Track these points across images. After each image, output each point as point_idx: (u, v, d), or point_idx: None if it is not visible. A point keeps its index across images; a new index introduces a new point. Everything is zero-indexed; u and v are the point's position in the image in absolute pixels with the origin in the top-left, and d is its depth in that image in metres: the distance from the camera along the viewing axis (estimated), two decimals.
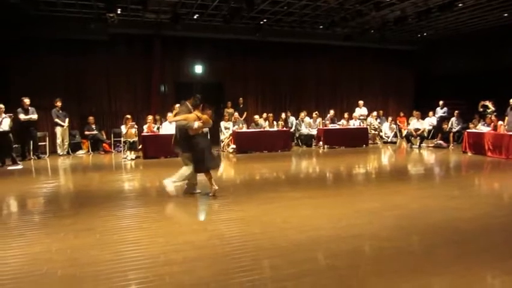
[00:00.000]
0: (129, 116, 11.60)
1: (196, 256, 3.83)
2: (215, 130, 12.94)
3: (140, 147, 11.47)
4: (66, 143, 12.02)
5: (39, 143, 11.49)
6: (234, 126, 12.84)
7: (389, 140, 14.82)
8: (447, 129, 13.43)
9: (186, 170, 6.32)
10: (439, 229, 4.60)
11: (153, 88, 13.81)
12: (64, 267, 3.58)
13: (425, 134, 13.60)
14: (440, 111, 15.07)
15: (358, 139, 13.61)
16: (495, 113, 11.79)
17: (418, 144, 13.09)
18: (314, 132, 13.82)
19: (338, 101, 16.91)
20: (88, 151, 12.45)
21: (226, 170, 9.82)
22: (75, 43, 12.72)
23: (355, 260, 3.74)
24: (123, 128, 11.40)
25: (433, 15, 12.12)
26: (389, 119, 15.45)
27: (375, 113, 15.31)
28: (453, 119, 14.02)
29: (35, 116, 11.06)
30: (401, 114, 16.47)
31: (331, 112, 14.80)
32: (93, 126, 12.64)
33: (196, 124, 6.01)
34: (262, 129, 12.88)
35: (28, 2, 10.57)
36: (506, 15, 12.66)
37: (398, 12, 12.41)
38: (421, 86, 17.72)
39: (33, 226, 4.88)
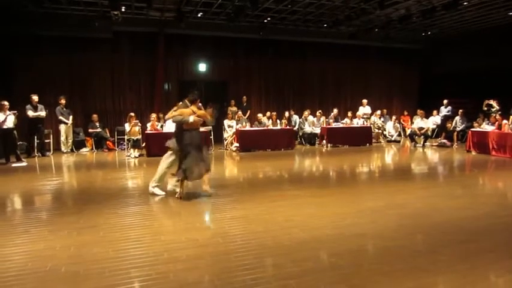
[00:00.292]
0: (132, 114, 11.63)
1: (200, 254, 3.83)
2: (218, 128, 12.96)
3: (144, 145, 11.49)
4: (70, 141, 12.06)
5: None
6: (237, 124, 12.84)
7: (393, 139, 14.78)
8: (451, 128, 13.36)
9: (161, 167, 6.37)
10: (443, 228, 4.58)
11: (157, 86, 13.83)
12: (68, 264, 3.59)
13: (429, 133, 13.54)
14: (444, 110, 15.01)
15: (362, 138, 13.59)
16: (500, 112, 11.74)
17: (422, 143, 13.04)
18: (317, 130, 13.79)
19: (342, 100, 16.87)
20: (92, 149, 12.49)
21: (229, 168, 9.83)
22: (80, 41, 12.76)
23: (358, 258, 3.73)
24: (127, 126, 11.43)
25: (437, 13, 12.06)
26: (393, 117, 15.42)
27: (378, 112, 15.28)
28: (457, 118, 13.96)
29: (43, 113, 11.11)
30: (405, 113, 16.42)
31: (335, 111, 14.76)
32: (97, 124, 12.67)
33: (192, 118, 5.97)
34: (265, 128, 12.87)
35: None
36: (511, 13, 12.59)
37: (402, 11, 12.37)
38: (426, 85, 17.65)
39: (37, 223, 4.89)
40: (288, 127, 13.29)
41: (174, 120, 6.10)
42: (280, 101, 15.88)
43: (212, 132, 12.34)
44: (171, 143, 6.33)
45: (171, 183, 6.40)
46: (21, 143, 10.95)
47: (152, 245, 4.07)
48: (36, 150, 11.03)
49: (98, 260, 3.69)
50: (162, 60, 13.70)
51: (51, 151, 11.75)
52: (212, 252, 3.88)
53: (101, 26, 12.32)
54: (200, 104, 6.43)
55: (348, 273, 3.41)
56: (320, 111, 14.46)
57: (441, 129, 14.08)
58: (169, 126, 11.57)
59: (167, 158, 6.48)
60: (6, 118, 9.59)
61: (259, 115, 13.40)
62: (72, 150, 12.06)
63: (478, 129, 11.82)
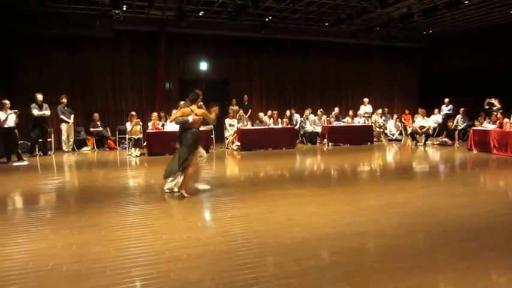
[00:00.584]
0: (134, 113, 11.62)
1: (201, 253, 3.83)
2: (219, 127, 12.97)
3: (145, 144, 11.50)
4: (72, 140, 12.07)
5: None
6: (238, 123, 12.84)
7: (394, 138, 14.77)
8: (452, 127, 13.34)
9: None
10: (444, 227, 4.58)
11: (158, 85, 13.83)
12: (69, 263, 3.60)
13: (431, 132, 13.52)
14: (445, 109, 14.99)
15: (363, 137, 13.58)
16: (501, 111, 11.73)
17: (423, 141, 13.03)
18: (319, 129, 13.79)
19: (343, 99, 16.86)
20: (93, 148, 12.51)
21: (230, 167, 9.83)
22: (81, 40, 12.77)
23: (359, 257, 3.74)
24: (128, 125, 11.43)
25: (439, 12, 12.04)
26: (395, 116, 15.40)
27: (379, 111, 15.26)
28: (458, 117, 13.94)
29: (48, 112, 11.13)
30: (407, 111, 16.42)
31: (336, 109, 14.75)
32: (98, 123, 12.68)
33: (191, 118, 5.98)
34: (266, 127, 12.87)
35: None
36: None
37: (404, 10, 12.34)
38: (427, 84, 17.62)
39: (39, 222, 4.90)
40: (289, 126, 13.28)
41: (176, 122, 6.14)
42: (282, 100, 15.87)
43: (213, 131, 12.35)
44: (177, 143, 6.35)
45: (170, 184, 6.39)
46: (22, 141, 10.98)
47: (153, 244, 4.08)
48: (38, 149, 11.05)
49: (99, 259, 3.69)
50: (163, 59, 13.70)
51: (53, 150, 11.77)
52: (213, 251, 3.89)
53: (102, 25, 12.33)
54: (201, 103, 6.43)
55: (349, 271, 3.41)
56: (321, 110, 14.46)
57: (442, 128, 14.06)
58: (171, 126, 11.58)
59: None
60: (7, 117, 9.60)
61: (261, 114, 13.39)
62: (73, 149, 12.08)
63: (479, 127, 11.81)
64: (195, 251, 3.87)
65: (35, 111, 10.84)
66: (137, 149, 11.14)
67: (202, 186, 6.56)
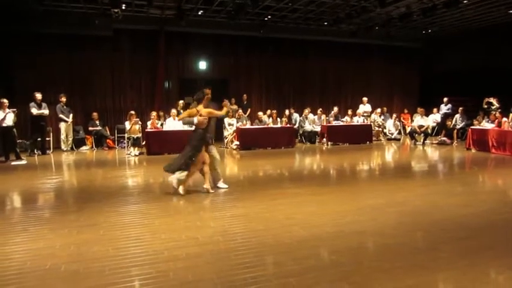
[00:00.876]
0: (133, 112, 11.60)
1: (200, 252, 3.83)
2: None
3: (144, 143, 11.49)
4: (70, 139, 12.06)
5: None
6: (237, 122, 12.83)
7: (393, 137, 14.77)
8: (451, 126, 13.35)
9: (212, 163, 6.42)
10: (443, 225, 4.58)
11: (157, 84, 13.82)
12: (67, 263, 3.58)
13: (429, 131, 13.54)
14: (444, 108, 14.99)
15: (362, 136, 13.59)
16: (499, 110, 11.74)
17: (422, 141, 13.04)
18: (318, 129, 13.80)
19: (342, 98, 16.86)
20: (92, 147, 12.49)
21: (230, 166, 9.82)
22: (80, 39, 12.76)
23: (358, 256, 3.73)
24: (127, 124, 11.41)
25: (438, 11, 12.04)
26: (394, 115, 15.41)
27: (378, 110, 15.27)
28: (457, 116, 13.96)
29: (46, 111, 11.11)
30: (406, 111, 16.43)
31: (335, 109, 14.76)
32: (97, 122, 12.66)
33: (196, 119, 6.01)
34: (266, 126, 12.86)
35: None
36: (511, 12, 12.57)
37: (403, 9, 12.34)
38: (426, 83, 17.64)
39: (37, 222, 4.89)
40: (288, 125, 13.28)
41: (183, 122, 6.23)
42: (281, 99, 15.87)
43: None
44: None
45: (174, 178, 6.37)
46: (20, 141, 10.96)
47: (152, 244, 4.07)
48: (36, 148, 11.03)
49: (98, 259, 3.68)
50: (162, 58, 13.69)
51: (51, 149, 11.74)
52: (212, 250, 3.88)
53: (101, 24, 12.32)
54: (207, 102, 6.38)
55: (348, 270, 3.41)
56: (321, 109, 14.47)
57: (441, 127, 14.08)
58: (170, 125, 11.61)
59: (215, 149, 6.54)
60: (5, 116, 9.57)
61: (260, 113, 13.39)
62: (72, 148, 12.07)
63: (478, 127, 11.82)
64: (194, 251, 3.87)
65: (34, 110, 10.82)
66: (136, 148, 11.12)
67: (222, 185, 6.58)
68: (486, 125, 11.65)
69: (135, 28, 13.21)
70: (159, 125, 11.71)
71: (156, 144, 11.02)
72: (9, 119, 9.67)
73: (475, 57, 15.09)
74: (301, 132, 14.03)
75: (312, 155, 11.41)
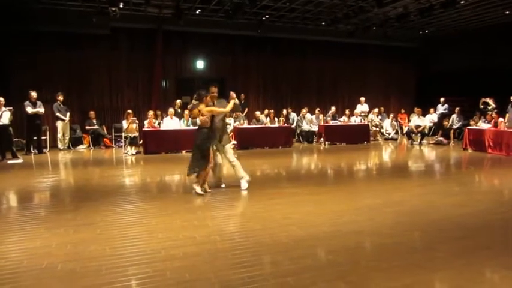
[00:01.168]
0: (130, 111, 11.57)
1: (197, 251, 3.82)
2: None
3: (141, 142, 11.46)
4: (67, 138, 12.03)
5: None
6: (235, 122, 12.81)
7: (390, 137, 14.81)
8: (448, 126, 13.41)
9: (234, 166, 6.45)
10: (440, 225, 4.59)
11: (155, 83, 13.79)
12: (64, 262, 3.57)
13: (426, 131, 13.59)
14: (441, 108, 15.05)
15: (359, 136, 13.61)
16: (496, 110, 11.80)
17: (418, 141, 13.07)
18: (315, 128, 13.81)
19: (339, 98, 16.90)
20: (89, 146, 12.46)
21: (227, 166, 9.79)
22: (77, 37, 12.72)
23: (355, 256, 3.73)
24: (124, 123, 11.38)
25: (435, 12, 12.08)
26: (391, 115, 15.44)
27: (376, 110, 15.29)
28: (454, 116, 14.00)
29: (42, 110, 11.08)
30: (403, 111, 16.47)
31: (333, 109, 14.78)
32: (94, 121, 12.63)
33: (198, 120, 6.08)
34: (263, 126, 12.86)
35: None
36: (507, 12, 12.62)
37: (400, 9, 12.37)
38: (423, 83, 17.70)
39: (33, 220, 4.87)
40: (285, 125, 13.28)
41: (192, 125, 6.22)
42: (278, 99, 15.88)
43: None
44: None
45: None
46: (17, 139, 10.91)
47: (149, 243, 4.06)
48: (32, 147, 10.99)
49: (95, 258, 3.67)
50: (160, 57, 13.66)
51: (48, 148, 11.71)
52: (209, 249, 3.87)
53: (99, 22, 12.26)
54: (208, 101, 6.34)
55: (345, 270, 3.41)
56: (318, 109, 14.48)
57: (438, 127, 14.13)
58: (167, 124, 11.59)
59: (230, 150, 6.49)
60: (1, 114, 9.54)
61: (257, 113, 13.40)
62: (68, 147, 12.03)
63: (474, 127, 11.87)
64: (191, 250, 3.86)
65: (29, 109, 10.78)
66: (133, 147, 11.09)
67: (244, 181, 6.53)
68: (483, 125, 11.69)
69: (132, 27, 13.18)
70: (156, 124, 11.69)
71: (153, 143, 11.00)
72: (6, 117, 9.63)
73: (472, 58, 15.15)
74: (298, 131, 14.04)
75: (309, 155, 11.42)
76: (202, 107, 6.12)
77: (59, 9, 11.81)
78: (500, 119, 10.92)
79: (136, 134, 11.41)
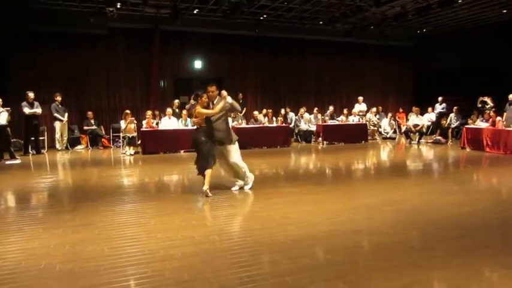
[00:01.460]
0: (128, 111, 11.53)
1: (196, 251, 3.82)
2: None
3: (139, 142, 11.45)
4: (65, 138, 12.00)
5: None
6: (233, 121, 12.79)
7: (388, 136, 14.82)
8: (446, 125, 13.43)
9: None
10: (438, 224, 4.59)
11: (153, 83, 13.77)
12: (62, 262, 3.56)
13: (424, 130, 13.61)
14: (439, 107, 15.08)
15: (357, 135, 13.61)
16: (494, 109, 11.82)
17: (417, 140, 13.09)
18: (313, 128, 13.81)
19: (337, 97, 16.91)
20: (87, 146, 12.44)
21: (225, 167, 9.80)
22: (75, 37, 12.70)
23: (354, 255, 3.74)
24: (123, 123, 11.36)
25: (432, 11, 12.10)
26: (389, 115, 15.46)
27: (374, 109, 15.32)
28: (452, 115, 14.02)
29: (39, 110, 11.04)
30: (401, 110, 16.49)
31: (331, 108, 14.79)
32: (92, 121, 12.60)
33: (190, 121, 6.13)
34: (261, 125, 12.86)
35: None
36: (505, 11, 12.65)
37: (398, 8, 12.39)
38: (420, 82, 17.73)
39: (32, 221, 4.86)
40: (283, 124, 13.28)
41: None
42: (276, 99, 15.88)
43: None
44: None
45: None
46: (15, 140, 10.88)
47: (148, 243, 4.05)
48: (30, 147, 10.96)
49: (93, 258, 3.66)
50: (157, 57, 13.64)
51: (46, 148, 11.68)
52: (208, 249, 3.87)
53: (96, 23, 12.25)
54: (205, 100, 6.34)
55: (343, 269, 3.41)
56: (317, 108, 14.49)
57: (436, 126, 14.15)
58: (165, 124, 11.58)
59: (235, 152, 6.39)
60: None
61: (255, 112, 13.39)
62: (67, 147, 12.01)
63: (472, 126, 11.89)
64: (190, 250, 3.86)
65: (26, 110, 10.75)
66: (131, 148, 11.08)
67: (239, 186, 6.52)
68: (480, 124, 11.72)
69: (130, 27, 13.16)
70: (154, 124, 11.68)
71: (151, 143, 10.99)
72: (3, 118, 9.60)
73: (469, 57, 15.18)
74: (296, 131, 14.05)
75: (308, 154, 11.43)
76: (197, 107, 6.14)
77: (56, 9, 11.78)
78: (498, 118, 10.95)
79: (135, 134, 11.41)
